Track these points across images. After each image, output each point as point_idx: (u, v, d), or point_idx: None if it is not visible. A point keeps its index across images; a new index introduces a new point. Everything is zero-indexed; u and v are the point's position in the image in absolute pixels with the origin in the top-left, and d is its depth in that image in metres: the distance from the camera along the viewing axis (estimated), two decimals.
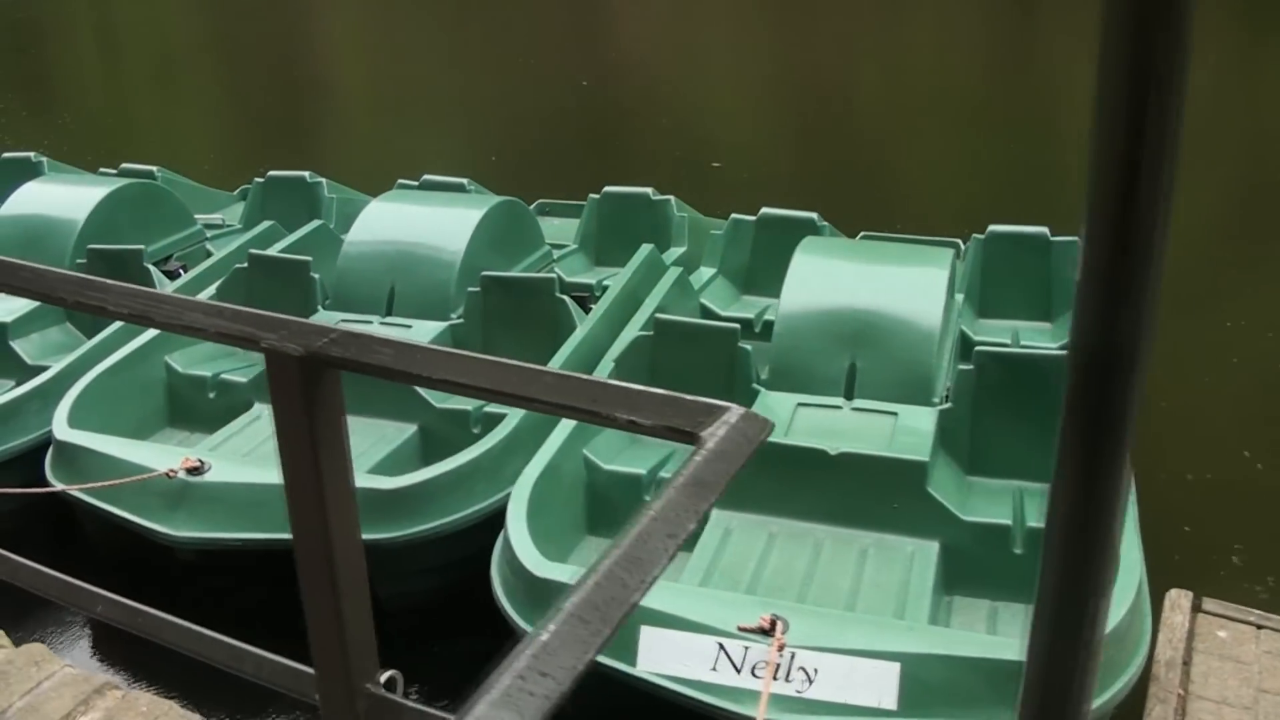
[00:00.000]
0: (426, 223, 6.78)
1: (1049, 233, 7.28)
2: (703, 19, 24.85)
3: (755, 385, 5.57)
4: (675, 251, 7.61)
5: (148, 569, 5.52)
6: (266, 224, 7.65)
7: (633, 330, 6.02)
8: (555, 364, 5.69)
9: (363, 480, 4.91)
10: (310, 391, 1.95)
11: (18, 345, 6.62)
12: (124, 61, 23.09)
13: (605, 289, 7.28)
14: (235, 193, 9.62)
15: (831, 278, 5.87)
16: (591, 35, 23.05)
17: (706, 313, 6.88)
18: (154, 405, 6.22)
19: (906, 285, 5.80)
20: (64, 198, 7.52)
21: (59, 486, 4.96)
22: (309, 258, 6.66)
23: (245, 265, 6.74)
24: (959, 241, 7.71)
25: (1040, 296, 7.23)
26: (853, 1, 25.05)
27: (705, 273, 7.28)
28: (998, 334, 6.81)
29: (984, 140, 14.24)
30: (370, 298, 6.53)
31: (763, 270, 7.41)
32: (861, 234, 7.74)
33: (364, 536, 4.27)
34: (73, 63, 22.87)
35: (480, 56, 20.19)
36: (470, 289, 6.37)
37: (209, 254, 8.04)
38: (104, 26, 27.58)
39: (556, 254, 7.67)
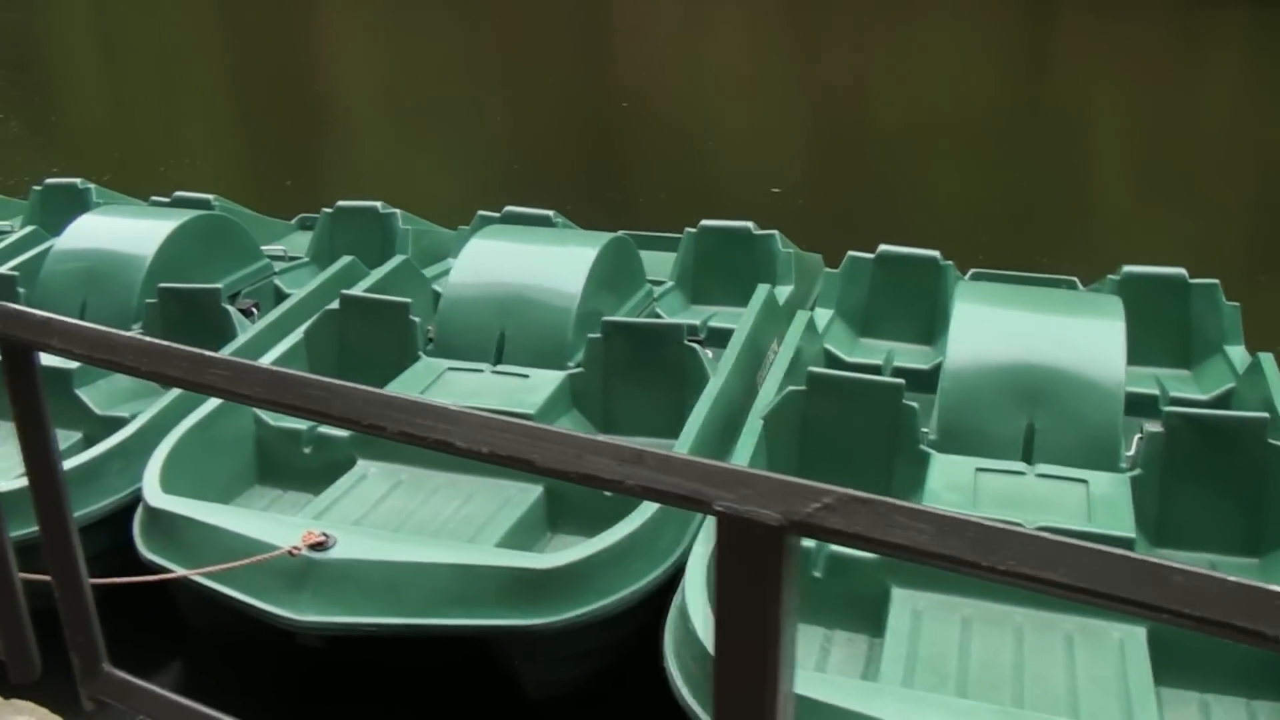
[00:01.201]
0: (537, 263, 6.26)
1: (1187, 275, 6.81)
2: (723, 39, 24.48)
3: (923, 446, 5.07)
4: (782, 290, 7.09)
5: (251, 648, 5.00)
6: (346, 259, 7.11)
7: (772, 382, 5.51)
8: (695, 421, 5.17)
9: (507, 558, 4.40)
10: (779, 564, 1.46)
11: (83, 394, 6.06)
12: (129, 78, 22.52)
13: (711, 330, 6.78)
14: (293, 221, 9.09)
15: (1001, 328, 5.38)
16: (617, 56, 22.62)
17: (831, 360, 6.38)
18: (243, 461, 5.68)
19: (1084, 337, 5.31)
20: (128, 231, 6.98)
21: (179, 571, 4.40)
22: (409, 299, 6.14)
23: (336, 307, 6.21)
24: (1075, 279, 7.25)
25: (1178, 342, 6.75)
26: (870, 17, 24.73)
27: (822, 315, 6.77)
28: (1142, 383, 6.32)
29: (1015, 165, 13.83)
30: (478, 344, 6.00)
31: (881, 312, 6.93)
32: (972, 271, 7.27)
33: (517, 622, 3.74)
34: (76, 80, 22.31)
35: (510, 77, 19.71)
36: (590, 335, 5.86)
37: (277, 289, 7.52)
38: (106, 40, 27.02)
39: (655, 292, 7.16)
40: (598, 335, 5.82)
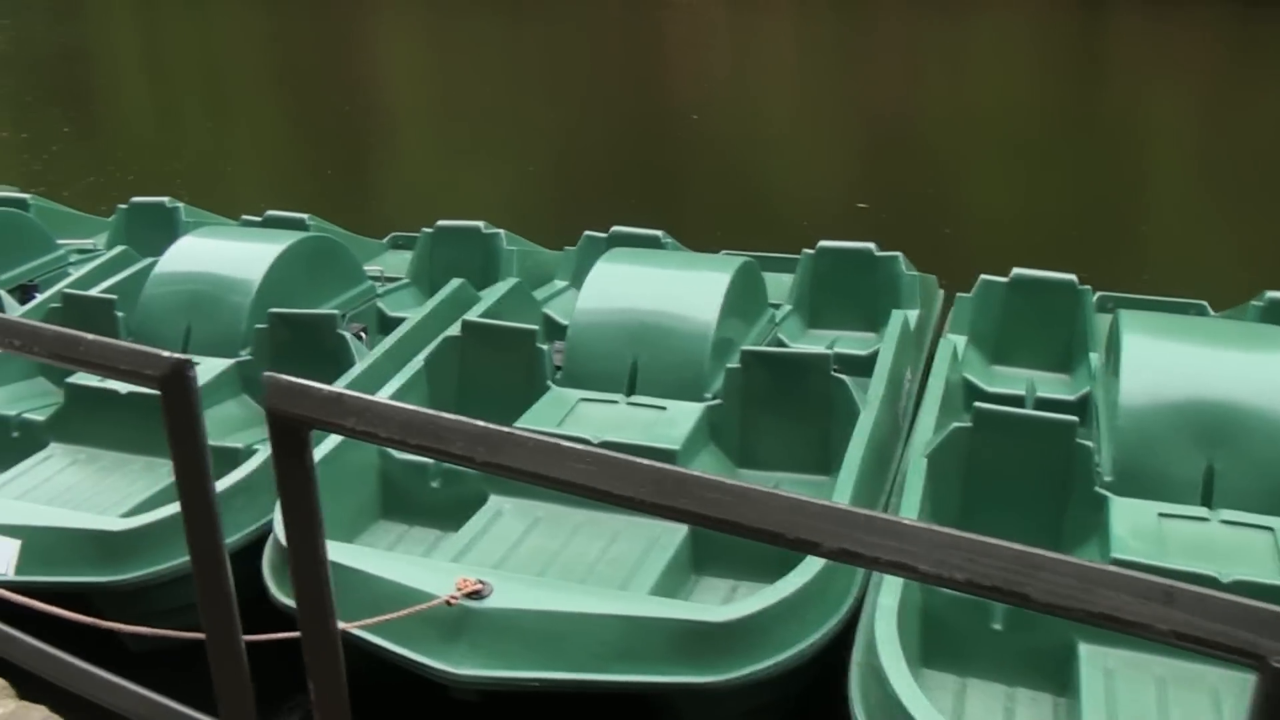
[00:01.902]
0: (669, 289, 6.01)
1: None
2: (776, 47, 24.22)
3: (1099, 489, 4.77)
4: (910, 316, 6.80)
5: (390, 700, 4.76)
6: (457, 282, 6.87)
7: (928, 417, 5.24)
8: (853, 460, 4.90)
9: (679, 610, 4.15)
10: None
11: None
12: (177, 93, 22.45)
13: (843, 358, 6.48)
14: (385, 240, 8.88)
15: (1177, 362, 5.07)
16: (673, 66, 22.39)
17: (972, 390, 6.10)
18: (367, 495, 5.46)
19: (1264, 374, 5.00)
20: (233, 253, 6.77)
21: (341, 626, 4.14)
22: (535, 326, 5.91)
23: (457, 334, 5.98)
24: (1205, 304, 6.94)
25: None
26: (920, 19, 24.39)
27: (955, 342, 6.48)
28: None
29: (1096, 176, 13.48)
30: (609, 374, 5.75)
31: (1015, 339, 6.65)
32: (1099, 295, 6.98)
33: (692, 679, 3.47)
34: (126, 94, 22.24)
35: (569, 90, 19.50)
36: (729, 366, 5.60)
37: (380, 311, 7.31)
38: (156, 55, 27.01)
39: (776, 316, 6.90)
40: (736, 365, 5.56)
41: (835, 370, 5.60)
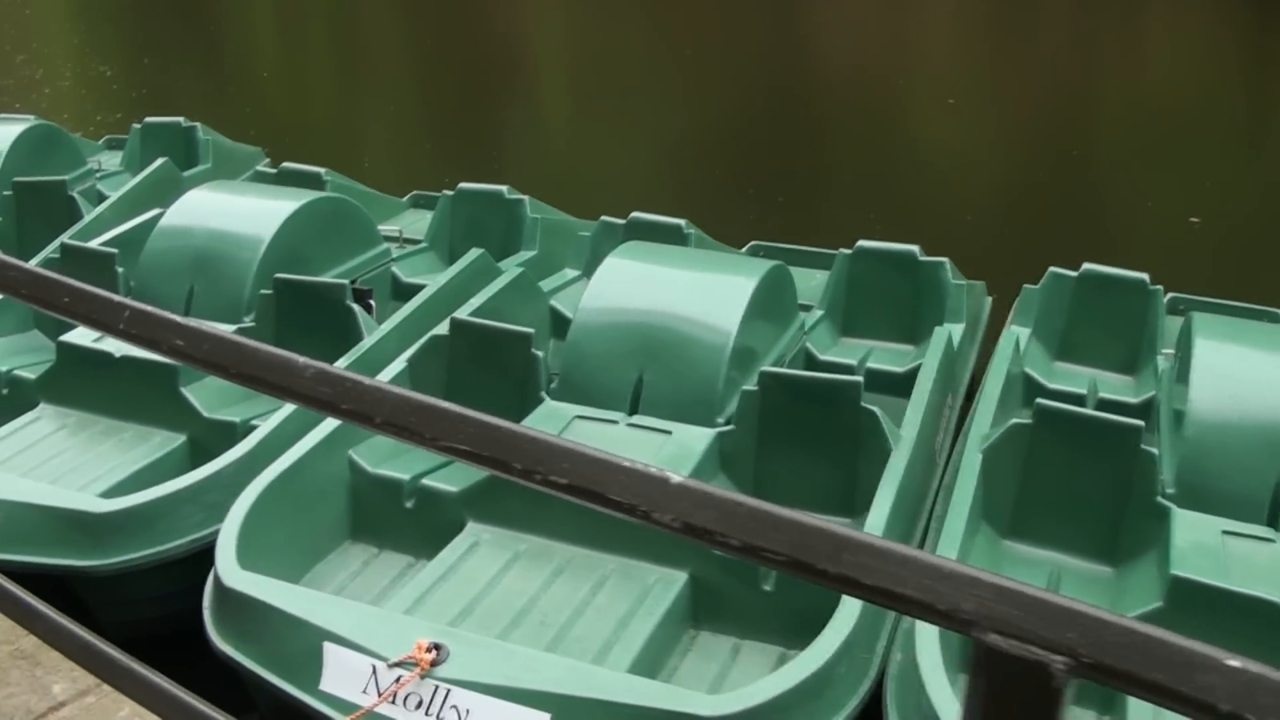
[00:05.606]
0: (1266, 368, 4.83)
1: None
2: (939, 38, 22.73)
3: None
4: None
5: None
6: (953, 330, 5.71)
7: None
8: None
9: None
10: None
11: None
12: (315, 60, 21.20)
13: None
14: (744, 250, 7.64)
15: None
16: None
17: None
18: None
19: None
20: (689, 286, 5.54)
21: None
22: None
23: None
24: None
25: None
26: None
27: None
28: None
29: None
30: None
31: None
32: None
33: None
34: (252, 47, 20.98)
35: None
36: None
37: (808, 353, 6.16)
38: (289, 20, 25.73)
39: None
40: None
41: None
